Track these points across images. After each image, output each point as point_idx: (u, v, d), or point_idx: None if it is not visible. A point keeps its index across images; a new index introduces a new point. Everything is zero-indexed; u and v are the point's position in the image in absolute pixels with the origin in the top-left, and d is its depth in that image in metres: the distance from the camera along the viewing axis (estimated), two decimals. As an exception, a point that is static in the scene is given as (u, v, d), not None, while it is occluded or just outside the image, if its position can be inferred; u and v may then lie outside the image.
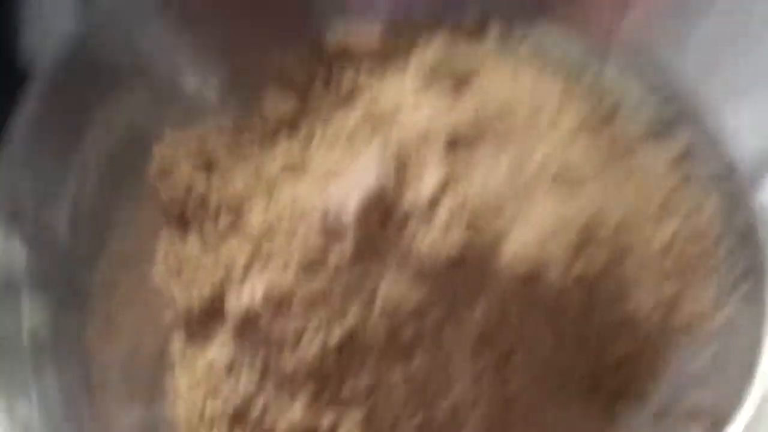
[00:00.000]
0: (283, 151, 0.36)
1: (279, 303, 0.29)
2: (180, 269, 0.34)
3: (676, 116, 0.36)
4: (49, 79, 0.32)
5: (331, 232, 0.28)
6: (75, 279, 0.32)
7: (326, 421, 0.28)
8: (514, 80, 0.34)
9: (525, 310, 0.27)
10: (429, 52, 0.33)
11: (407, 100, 0.32)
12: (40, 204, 0.31)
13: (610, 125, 0.36)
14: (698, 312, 0.31)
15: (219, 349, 0.31)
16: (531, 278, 0.26)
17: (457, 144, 0.29)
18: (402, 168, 0.29)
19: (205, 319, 0.33)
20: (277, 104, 0.38)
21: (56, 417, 0.28)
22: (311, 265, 0.29)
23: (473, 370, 0.27)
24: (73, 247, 0.32)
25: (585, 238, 0.28)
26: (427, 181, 0.28)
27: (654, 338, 0.30)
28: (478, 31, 0.40)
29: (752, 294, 0.31)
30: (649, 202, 0.34)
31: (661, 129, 0.36)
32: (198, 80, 0.37)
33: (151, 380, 0.31)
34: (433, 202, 0.27)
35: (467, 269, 0.27)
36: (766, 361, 0.30)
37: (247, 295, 0.30)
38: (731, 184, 0.34)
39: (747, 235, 0.32)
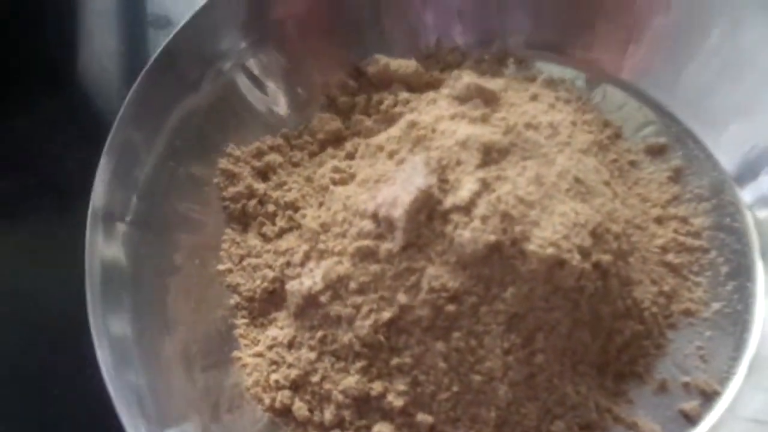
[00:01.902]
0: (330, 163, 0.40)
1: (336, 287, 0.32)
2: (242, 260, 0.37)
3: (671, 139, 0.40)
4: (146, 76, 0.36)
5: (383, 225, 0.32)
6: (146, 263, 0.35)
7: (376, 388, 0.31)
8: (533, 104, 0.38)
9: (549, 293, 0.30)
10: (459, 80, 0.37)
11: (444, 119, 0.35)
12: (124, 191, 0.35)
13: (615, 145, 0.40)
14: (694, 302, 0.34)
15: (280, 328, 0.35)
16: (556, 263, 0.29)
17: (490, 153, 0.33)
18: (444, 174, 0.32)
19: (266, 303, 0.36)
20: (323, 124, 0.43)
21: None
22: (365, 254, 0.32)
23: (504, 347, 0.30)
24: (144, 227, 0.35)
25: (599, 233, 0.31)
26: (466, 184, 0.31)
27: (656, 323, 0.33)
28: (498, 63, 0.44)
29: (741, 289, 0.35)
30: (649, 210, 0.37)
31: (659, 149, 0.40)
32: (263, 101, 0.41)
33: (220, 352, 0.34)
34: (472, 202, 0.31)
35: (501, 256, 0.30)
36: (753, 345, 0.33)
37: (308, 280, 0.33)
38: (722, 194, 0.37)
39: (736, 238, 0.36)
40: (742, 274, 0.35)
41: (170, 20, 0.56)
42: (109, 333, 0.30)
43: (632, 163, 0.40)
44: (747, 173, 0.37)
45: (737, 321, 0.34)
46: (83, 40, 0.55)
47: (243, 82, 0.41)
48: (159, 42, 0.53)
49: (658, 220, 0.37)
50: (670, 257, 0.36)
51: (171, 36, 0.38)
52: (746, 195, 0.37)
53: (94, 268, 0.31)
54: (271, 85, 0.42)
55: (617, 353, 0.33)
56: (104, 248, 0.32)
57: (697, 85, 0.39)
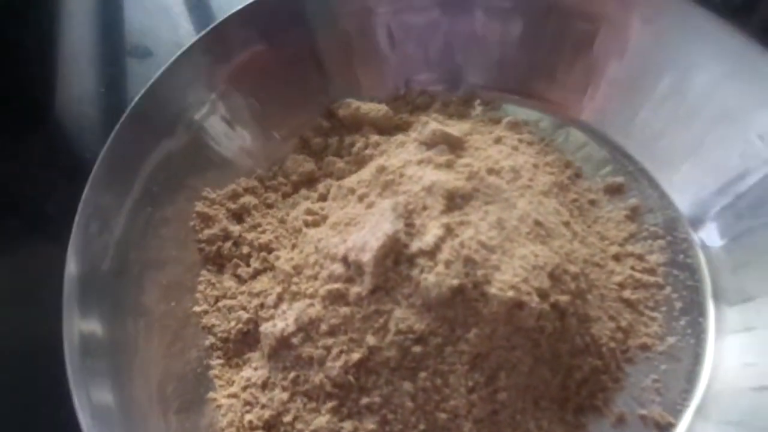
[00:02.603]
0: (303, 204, 0.42)
1: (308, 329, 0.34)
2: (217, 302, 0.39)
3: (628, 179, 0.42)
4: (120, 128, 0.38)
5: (353, 268, 0.33)
6: (124, 307, 0.36)
7: (347, 428, 0.32)
8: (497, 148, 0.40)
9: (510, 333, 0.31)
10: (426, 126, 0.38)
11: (411, 164, 0.37)
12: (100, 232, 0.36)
13: (576, 185, 0.42)
14: (650, 336, 0.36)
15: (254, 369, 0.36)
16: (516, 305, 0.31)
17: (454, 199, 0.34)
18: (410, 218, 0.34)
19: (241, 344, 0.37)
20: (297, 166, 0.44)
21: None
22: (336, 297, 0.33)
23: (468, 385, 0.32)
24: (122, 275, 0.36)
25: (557, 275, 0.33)
26: (431, 230, 0.33)
27: (614, 357, 0.35)
28: (465, 104, 0.46)
29: (694, 324, 0.36)
30: (608, 248, 0.39)
31: (617, 188, 0.42)
32: (237, 145, 0.43)
33: (195, 393, 0.35)
34: (437, 247, 0.32)
35: (464, 299, 0.31)
36: (705, 378, 0.35)
37: (281, 322, 0.35)
38: (676, 232, 0.39)
39: (689, 275, 0.38)
40: (694, 309, 0.37)
41: (149, 50, 0.57)
42: (88, 392, 0.31)
43: (592, 202, 0.41)
44: (698, 213, 0.39)
45: (690, 354, 0.36)
46: (62, 74, 0.56)
47: (216, 128, 0.42)
48: (139, 73, 0.55)
49: (616, 258, 0.39)
50: (627, 293, 0.37)
51: (143, 90, 0.39)
52: (699, 237, 0.39)
53: (72, 336, 0.32)
54: (243, 129, 0.43)
55: (577, 388, 0.34)
56: (81, 319, 0.33)
57: (651, 127, 0.42)
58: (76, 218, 0.34)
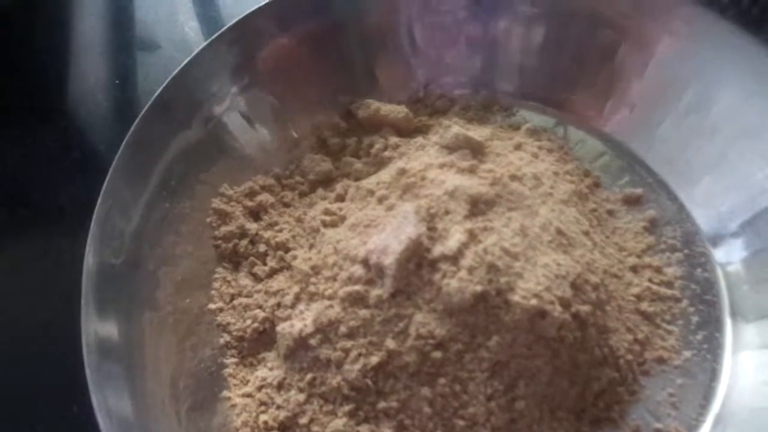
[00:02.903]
0: (320, 203, 0.41)
1: (326, 330, 0.33)
2: (232, 300, 0.38)
3: (646, 190, 0.42)
4: (141, 122, 0.38)
5: (374, 271, 0.33)
6: (139, 301, 0.35)
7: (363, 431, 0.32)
8: (518, 154, 0.39)
9: (531, 342, 0.31)
10: (448, 130, 0.38)
11: (433, 168, 0.37)
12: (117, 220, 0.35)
13: (594, 194, 0.42)
14: (667, 350, 0.36)
15: (269, 369, 0.36)
16: (538, 314, 0.31)
17: (477, 204, 0.34)
18: (432, 222, 0.34)
19: (256, 343, 0.37)
20: (314, 165, 0.44)
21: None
22: (355, 299, 0.33)
23: (487, 393, 0.32)
24: (138, 267, 0.36)
25: (579, 284, 0.33)
26: (454, 234, 0.33)
27: (631, 370, 0.35)
28: (484, 109, 0.46)
29: (711, 339, 0.36)
30: (625, 259, 0.39)
31: (636, 199, 0.42)
32: (255, 142, 0.42)
33: (209, 391, 0.34)
34: (459, 252, 0.32)
35: (486, 306, 0.31)
36: (721, 394, 0.35)
37: (299, 323, 0.34)
38: (693, 246, 0.39)
39: (706, 289, 0.38)
40: (711, 324, 0.37)
41: (158, 44, 0.57)
42: (104, 387, 0.30)
43: (610, 213, 0.41)
44: (717, 228, 0.39)
45: (707, 370, 0.36)
46: (73, 69, 0.55)
47: (235, 123, 0.42)
48: (148, 67, 0.55)
49: (634, 269, 0.39)
50: (645, 306, 0.37)
51: (165, 82, 0.39)
52: (717, 252, 0.39)
53: (89, 330, 0.32)
54: (262, 126, 0.43)
55: (594, 400, 0.34)
56: (97, 311, 0.33)
57: (672, 140, 0.42)
58: (96, 209, 0.34)
